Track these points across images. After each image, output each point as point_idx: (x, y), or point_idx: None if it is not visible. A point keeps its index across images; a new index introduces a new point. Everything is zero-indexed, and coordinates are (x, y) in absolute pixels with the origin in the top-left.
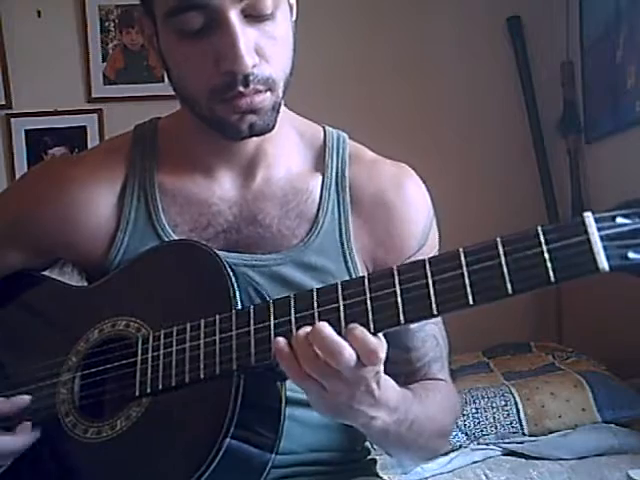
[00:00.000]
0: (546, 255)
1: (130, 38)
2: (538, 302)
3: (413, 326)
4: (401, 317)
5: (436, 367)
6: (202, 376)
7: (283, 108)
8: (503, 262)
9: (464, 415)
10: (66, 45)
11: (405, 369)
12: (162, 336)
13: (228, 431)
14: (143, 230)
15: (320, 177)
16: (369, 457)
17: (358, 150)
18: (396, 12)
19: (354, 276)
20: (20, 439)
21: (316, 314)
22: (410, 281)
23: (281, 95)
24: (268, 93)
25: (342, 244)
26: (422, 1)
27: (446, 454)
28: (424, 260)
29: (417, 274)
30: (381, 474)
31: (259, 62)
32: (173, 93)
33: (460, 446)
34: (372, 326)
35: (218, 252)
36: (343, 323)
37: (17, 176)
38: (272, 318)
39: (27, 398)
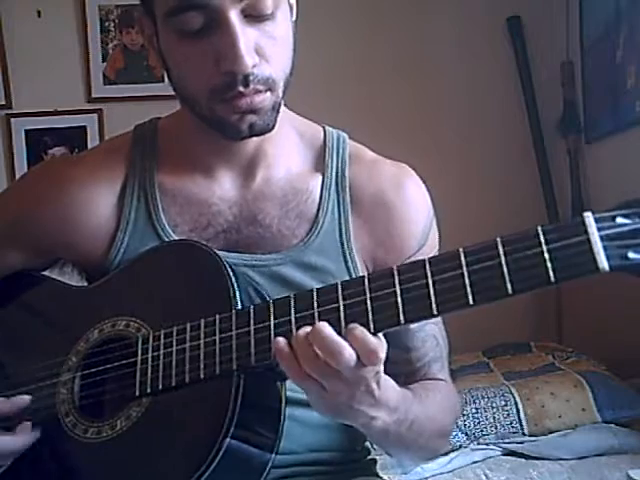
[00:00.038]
0: (546, 255)
1: (130, 38)
2: (538, 302)
3: (413, 326)
4: (401, 317)
5: (436, 367)
6: (202, 376)
7: (283, 108)
8: (503, 262)
9: (464, 415)
10: (66, 45)
11: (405, 369)
12: (162, 336)
13: (228, 431)
14: (143, 230)
15: (320, 177)
16: (369, 457)
17: (358, 150)
18: (396, 12)
19: (354, 276)
20: (20, 439)
21: (316, 314)
22: (410, 281)
23: (281, 95)
24: (268, 93)
25: (342, 244)
26: (422, 1)
27: (446, 454)
28: (424, 260)
29: (417, 274)
30: (381, 474)
31: (259, 62)
32: (173, 93)
33: (460, 446)
34: (372, 326)
35: (218, 252)
36: (343, 323)
37: (17, 176)
38: (272, 318)
39: (27, 398)
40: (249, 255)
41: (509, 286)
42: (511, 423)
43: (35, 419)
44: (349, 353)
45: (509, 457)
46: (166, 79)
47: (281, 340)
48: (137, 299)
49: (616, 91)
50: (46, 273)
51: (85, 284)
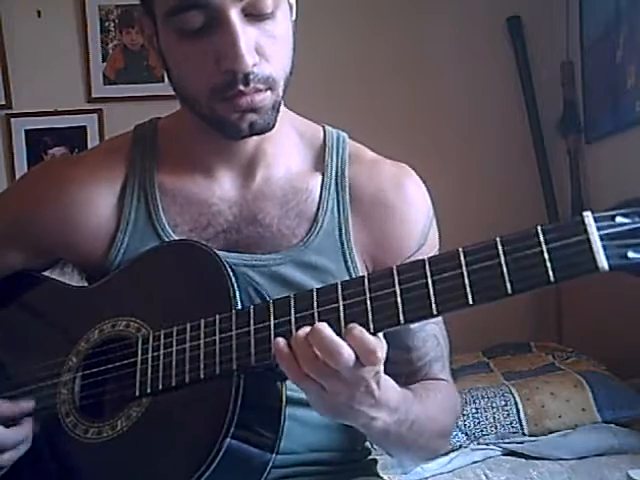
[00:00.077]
0: (546, 255)
1: (130, 38)
2: (538, 302)
3: (413, 326)
4: (401, 317)
5: (437, 367)
6: (202, 376)
7: (283, 108)
8: (503, 262)
9: (464, 415)
10: (66, 45)
11: (406, 369)
12: (162, 336)
13: (228, 431)
14: (143, 230)
15: (320, 177)
16: (370, 457)
17: (358, 150)
18: (396, 12)
19: (354, 276)
20: (20, 433)
21: (316, 314)
22: (410, 281)
23: (281, 94)
24: (268, 92)
25: (342, 244)
26: (422, 1)
27: (446, 454)
28: (424, 260)
29: (417, 274)
30: (381, 474)
31: (259, 61)
32: (173, 93)
33: (460, 446)
34: (372, 326)
35: (218, 252)
36: (343, 323)
37: (17, 176)
38: (272, 318)
39: (29, 403)
40: (249, 255)
41: (509, 286)
42: (511, 423)
43: (36, 419)
44: (348, 353)
45: (509, 457)
46: (166, 79)
47: (281, 340)
48: (137, 299)
49: (616, 91)
50: (46, 273)
51: (85, 284)
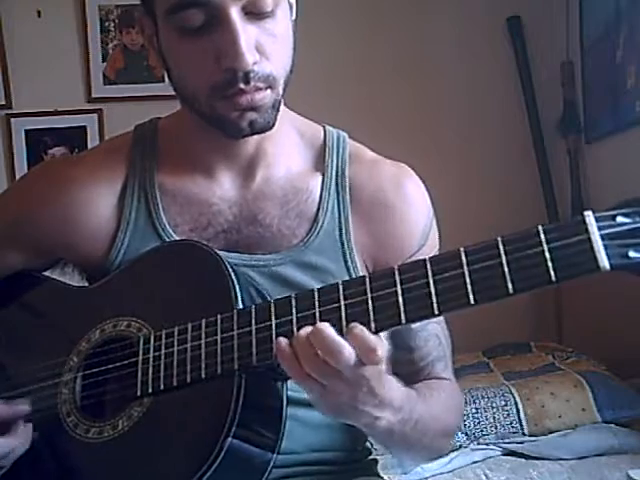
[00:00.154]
0: (547, 254)
1: (130, 38)
2: (538, 302)
3: (415, 326)
4: (402, 317)
5: (439, 366)
6: (203, 376)
7: (283, 108)
8: (504, 261)
9: (464, 415)
10: (66, 45)
11: (408, 369)
12: (163, 336)
13: (230, 431)
14: (144, 230)
15: (320, 177)
16: (370, 457)
17: (358, 150)
18: (396, 12)
19: (354, 276)
20: (17, 440)
21: (317, 314)
22: (411, 281)
23: (281, 93)
24: (268, 91)
25: (342, 244)
26: (422, 1)
27: (446, 454)
28: (425, 259)
29: (418, 273)
30: (382, 474)
31: (259, 59)
32: (173, 93)
33: (460, 446)
34: (373, 326)
35: (219, 252)
36: (344, 323)
37: (17, 176)
38: (273, 318)
39: (28, 406)
40: (249, 255)
41: (510, 285)
42: (511, 423)
43: (36, 419)
44: (349, 352)
45: (509, 457)
46: (166, 79)
47: (282, 340)
48: (138, 299)
49: (616, 91)
50: (47, 273)
51: (86, 284)
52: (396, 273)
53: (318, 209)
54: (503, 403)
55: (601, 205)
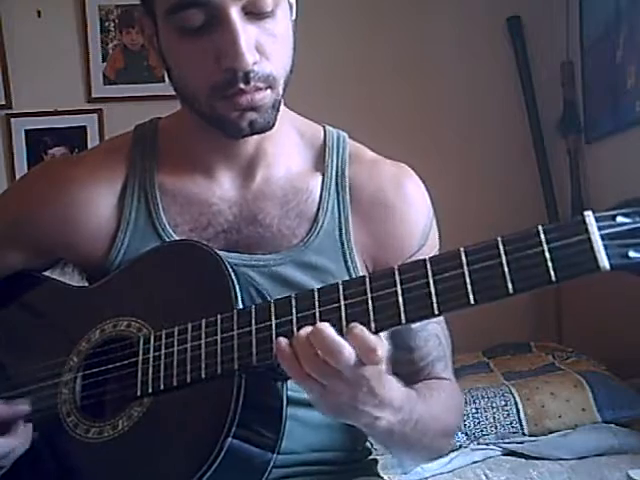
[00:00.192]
0: (547, 254)
1: (130, 38)
2: (538, 302)
3: (415, 326)
4: (402, 317)
5: (439, 366)
6: (203, 376)
7: (283, 108)
8: (504, 261)
9: (464, 415)
10: (66, 45)
11: (408, 369)
12: (163, 336)
13: (230, 431)
14: (144, 230)
15: (320, 177)
16: (370, 457)
17: (358, 150)
18: (396, 12)
19: (354, 276)
20: (17, 441)
21: (317, 314)
22: (411, 280)
23: (281, 93)
24: (268, 90)
25: (342, 244)
26: (422, 1)
27: (446, 454)
28: (425, 259)
29: (418, 273)
30: (382, 474)
31: (260, 59)
32: (173, 93)
33: (460, 446)
34: (373, 326)
35: (218, 252)
36: (344, 323)
37: (17, 176)
38: (273, 318)
39: (28, 406)
40: (249, 255)
41: (510, 285)
42: (511, 423)
43: (36, 419)
44: (348, 352)
45: (509, 457)
46: (166, 79)
47: (282, 340)
48: (138, 299)
49: (616, 91)
50: (47, 273)
51: (86, 284)
52: (396, 273)
53: (318, 209)
54: (503, 403)
55: (601, 205)
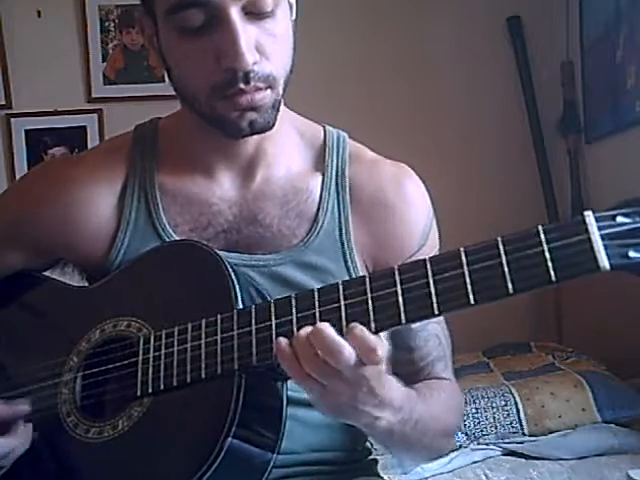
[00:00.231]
0: (547, 254)
1: (130, 38)
2: (538, 302)
3: (415, 326)
4: (402, 317)
5: (439, 366)
6: (203, 376)
7: (283, 108)
8: (504, 261)
9: (464, 415)
10: (66, 45)
11: (408, 369)
12: (163, 336)
13: (230, 431)
14: (144, 230)
15: (320, 177)
16: (370, 457)
17: (358, 150)
18: (396, 12)
19: (354, 276)
20: (17, 440)
21: (317, 314)
22: (411, 280)
23: (281, 93)
24: (268, 90)
25: (342, 244)
26: (422, 1)
27: (446, 454)
28: (425, 259)
29: (418, 273)
30: (382, 474)
31: (260, 59)
32: (173, 93)
33: (460, 446)
34: (373, 326)
35: (219, 252)
36: (344, 323)
37: (17, 176)
38: (273, 318)
39: (28, 406)
40: (249, 255)
41: (510, 285)
42: (511, 423)
43: (36, 419)
44: (348, 352)
45: (509, 457)
46: (167, 79)
47: (282, 340)
48: (138, 299)
49: (616, 91)
50: (47, 273)
51: (86, 284)
52: (396, 273)
53: (318, 209)
54: (503, 403)
55: (601, 205)
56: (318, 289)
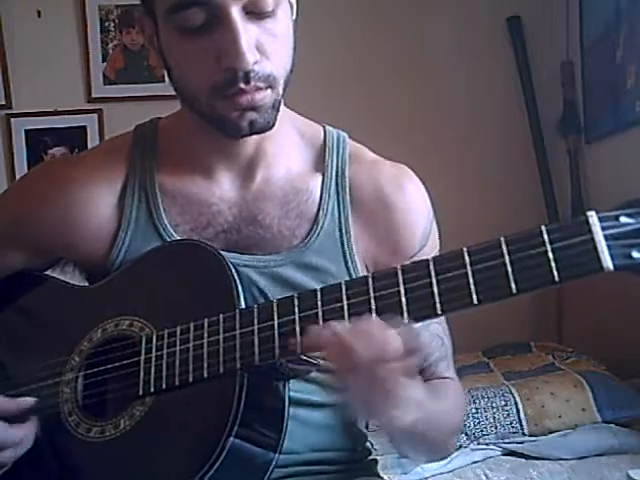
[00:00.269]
0: (550, 254)
1: (130, 38)
2: (538, 302)
3: (417, 326)
4: (405, 316)
5: (442, 366)
6: (206, 375)
7: (283, 108)
8: (507, 261)
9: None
10: (66, 45)
11: None
12: (166, 335)
13: (232, 430)
14: (145, 229)
15: (320, 177)
16: (370, 457)
17: (358, 150)
18: (396, 12)
19: (354, 277)
20: (21, 431)
21: (320, 313)
22: (414, 280)
23: (281, 93)
24: (269, 90)
25: (342, 244)
26: (422, 1)
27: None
28: (428, 259)
29: (421, 273)
30: (382, 474)
31: (260, 59)
32: (173, 93)
33: (460, 446)
34: None
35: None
36: (347, 322)
37: (17, 176)
38: (276, 317)
39: (31, 400)
40: (249, 256)
41: (513, 285)
42: (511, 423)
43: (38, 418)
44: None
45: (509, 457)
46: (167, 79)
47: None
48: (140, 299)
49: (616, 91)
50: (47, 273)
51: (86, 284)
52: (399, 273)
53: (318, 210)
54: (503, 403)
55: (601, 205)
56: (321, 289)
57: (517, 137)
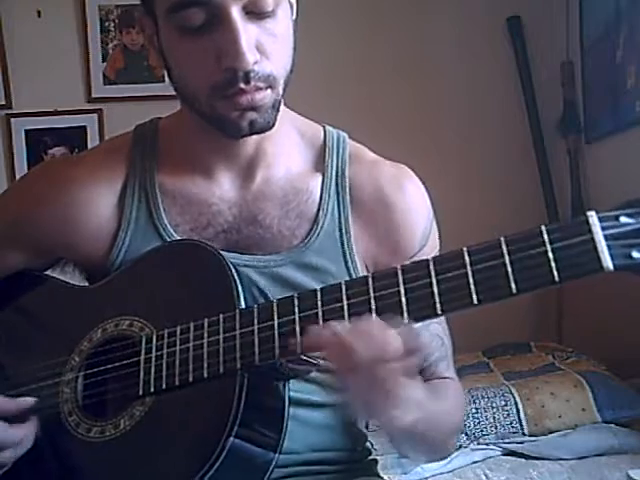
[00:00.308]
0: (550, 254)
1: (130, 38)
2: (538, 302)
3: (417, 326)
4: (405, 316)
5: (442, 366)
6: (206, 375)
7: (284, 108)
8: (507, 261)
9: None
10: (66, 45)
11: None
12: (166, 335)
13: (232, 430)
14: (145, 229)
15: (320, 177)
16: (370, 457)
17: (358, 150)
18: (396, 12)
19: (354, 277)
20: (22, 431)
21: (320, 313)
22: (414, 280)
23: (281, 93)
24: (269, 90)
25: (342, 244)
26: (422, 1)
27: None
28: (428, 259)
29: (421, 273)
30: (382, 474)
31: (260, 59)
32: (173, 93)
33: (460, 446)
34: None
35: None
36: (347, 322)
37: (17, 176)
38: (276, 317)
39: (31, 400)
40: (249, 256)
41: (513, 285)
42: (511, 423)
43: (38, 418)
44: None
45: (509, 457)
46: (167, 79)
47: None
48: (140, 299)
49: (616, 91)
50: (47, 273)
51: (86, 284)
52: (399, 273)
53: (318, 210)
54: (503, 403)
55: (601, 205)
56: (321, 289)
57: (517, 137)
